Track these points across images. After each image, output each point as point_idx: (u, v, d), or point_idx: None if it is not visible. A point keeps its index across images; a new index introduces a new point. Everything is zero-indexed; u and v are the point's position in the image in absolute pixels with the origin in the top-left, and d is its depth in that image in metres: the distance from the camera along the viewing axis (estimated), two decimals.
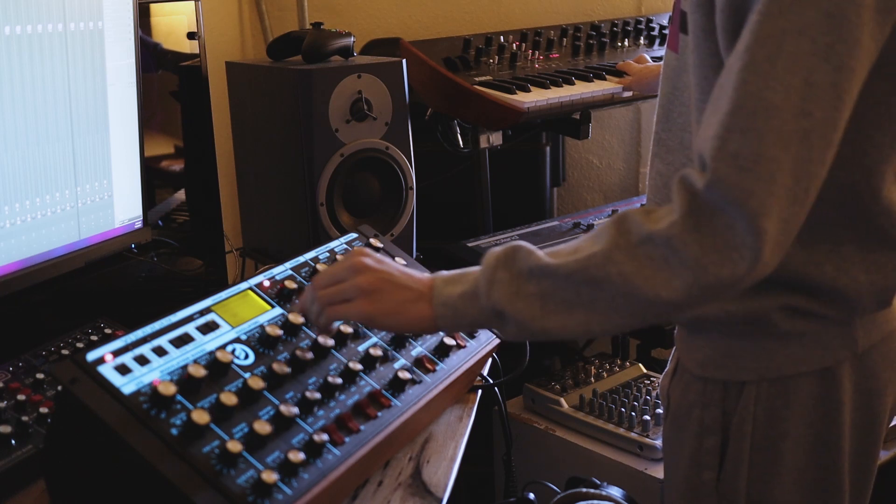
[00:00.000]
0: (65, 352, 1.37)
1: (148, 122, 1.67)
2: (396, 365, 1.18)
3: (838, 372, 1.10)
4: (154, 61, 1.74)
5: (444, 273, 1.04)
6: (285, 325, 1.12)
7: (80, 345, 1.41)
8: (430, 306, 1.01)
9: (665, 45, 1.22)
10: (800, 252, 1.05)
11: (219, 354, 1.02)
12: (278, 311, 1.15)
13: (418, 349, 1.23)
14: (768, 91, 0.89)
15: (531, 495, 1.57)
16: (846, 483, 1.14)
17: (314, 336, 1.14)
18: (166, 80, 1.81)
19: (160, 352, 1.01)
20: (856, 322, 1.10)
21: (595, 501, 1.55)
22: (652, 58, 2.13)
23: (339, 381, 1.08)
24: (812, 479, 1.12)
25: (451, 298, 1.01)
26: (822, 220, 1.04)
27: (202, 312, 1.09)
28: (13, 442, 1.14)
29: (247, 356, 1.06)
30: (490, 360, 1.42)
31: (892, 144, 1.03)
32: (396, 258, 1.35)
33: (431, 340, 1.26)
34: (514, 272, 0.97)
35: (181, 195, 1.86)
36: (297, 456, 0.95)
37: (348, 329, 1.17)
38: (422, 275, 1.05)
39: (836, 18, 0.88)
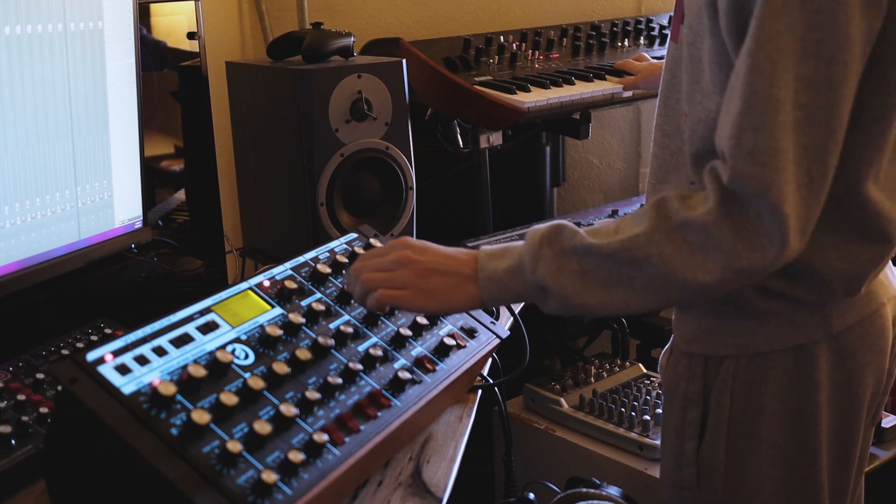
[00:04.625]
0: (65, 352, 1.37)
1: (148, 122, 1.67)
2: (396, 365, 1.18)
3: (813, 351, 1.14)
4: (154, 61, 1.74)
5: (488, 248, 1.10)
6: (285, 325, 1.12)
7: (80, 345, 1.41)
8: (475, 285, 1.08)
9: (668, 41, 1.24)
10: None
11: (219, 354, 1.02)
12: (278, 311, 1.15)
13: (418, 349, 1.23)
14: (774, 89, 0.96)
15: (531, 495, 1.57)
16: (824, 460, 1.17)
17: (314, 336, 1.14)
18: (166, 80, 1.81)
19: (160, 352, 1.00)
20: (829, 304, 1.14)
21: (595, 501, 1.55)
22: (652, 57, 2.13)
23: (339, 381, 1.08)
24: (788, 454, 1.16)
25: (496, 273, 1.07)
26: None
27: (202, 312, 1.09)
28: (13, 442, 1.14)
29: (247, 356, 1.06)
30: (490, 360, 1.42)
31: (871, 143, 1.07)
32: None
33: (431, 340, 1.26)
34: (557, 250, 1.04)
35: (181, 195, 1.86)
36: (297, 456, 0.95)
37: (348, 329, 1.17)
38: (465, 253, 1.10)
39: (822, 15, 0.95)
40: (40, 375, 1.28)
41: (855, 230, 1.10)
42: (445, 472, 1.16)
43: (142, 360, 0.98)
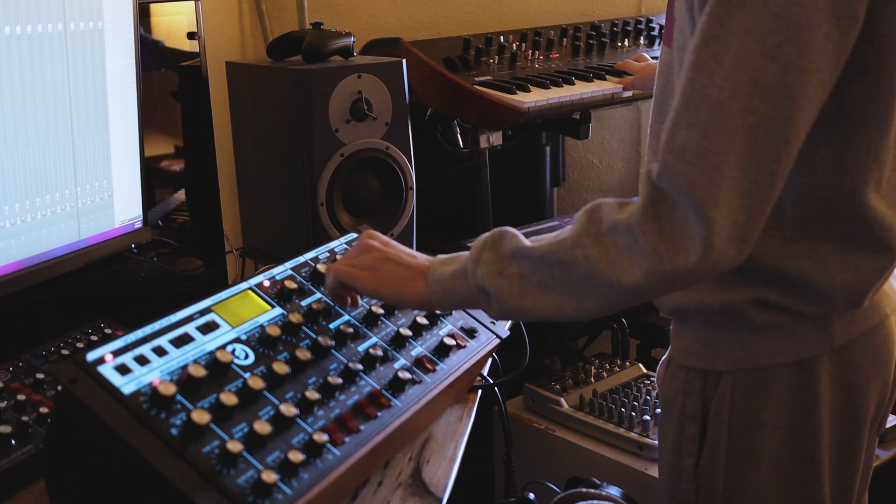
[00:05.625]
0: (65, 352, 1.37)
1: (148, 122, 1.67)
2: (396, 365, 1.18)
3: (815, 365, 1.12)
4: (154, 61, 1.74)
5: (443, 256, 1.12)
6: (285, 325, 1.12)
7: (80, 345, 1.41)
8: (425, 283, 1.11)
9: (661, 45, 1.23)
10: (780, 245, 1.08)
11: (219, 354, 1.02)
12: (278, 311, 1.15)
13: (418, 349, 1.23)
14: (713, 88, 0.93)
15: (531, 495, 1.57)
16: (826, 475, 1.15)
17: (314, 336, 1.14)
18: (166, 80, 1.81)
19: (160, 352, 1.00)
20: (832, 317, 1.11)
21: (595, 501, 1.55)
22: (651, 57, 2.13)
23: (339, 381, 1.08)
24: (789, 469, 1.14)
25: (443, 276, 1.09)
26: (804, 217, 1.07)
27: (202, 312, 1.09)
28: (13, 442, 1.14)
29: (247, 356, 1.06)
30: (490, 360, 1.42)
31: (869, 150, 1.05)
32: None
33: (431, 340, 1.26)
34: (499, 254, 1.04)
35: (181, 195, 1.86)
36: (297, 456, 0.95)
37: (348, 329, 1.17)
38: (424, 257, 1.14)
39: (783, 19, 0.91)
40: (40, 375, 1.28)
41: (856, 241, 1.08)
42: (445, 472, 1.16)
43: (142, 360, 0.98)
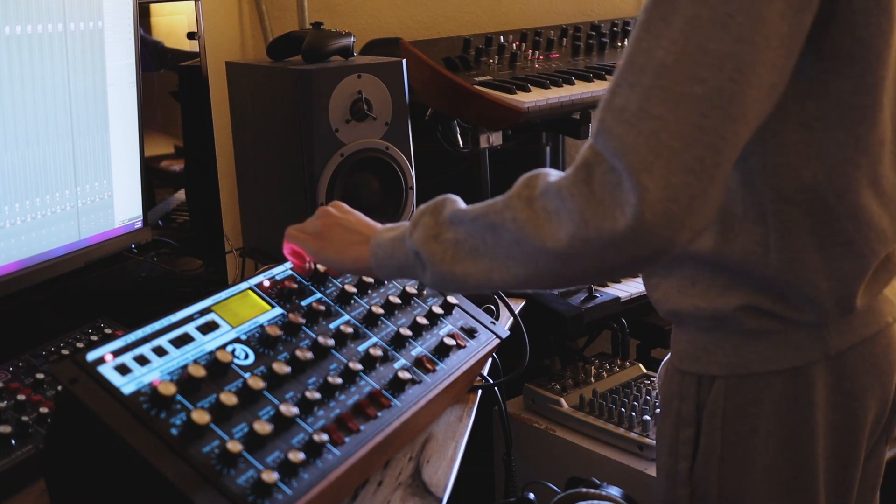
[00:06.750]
0: (65, 352, 1.37)
1: (148, 122, 1.67)
2: (396, 365, 1.18)
3: (810, 373, 1.10)
4: (154, 61, 1.74)
5: (391, 224, 1.13)
6: (285, 325, 1.13)
7: (80, 345, 1.41)
8: (368, 248, 1.12)
9: None
10: (764, 254, 1.06)
11: (219, 354, 1.02)
12: (278, 311, 1.15)
13: (418, 349, 1.23)
14: (659, 50, 0.89)
15: (531, 495, 1.57)
16: (821, 484, 1.13)
17: (314, 336, 1.14)
18: (166, 80, 1.81)
19: (160, 352, 1.01)
20: (827, 324, 1.10)
21: (595, 501, 1.55)
22: None
23: (339, 381, 1.08)
24: (783, 477, 1.13)
25: (384, 241, 1.10)
26: (790, 222, 1.05)
27: (202, 312, 1.09)
28: (13, 442, 1.14)
29: (247, 356, 1.06)
30: (490, 360, 1.42)
31: (857, 145, 1.03)
32: None
33: (431, 340, 1.26)
34: (438, 219, 1.03)
35: (181, 195, 1.86)
36: (297, 456, 0.95)
37: (348, 329, 1.17)
38: (376, 225, 1.15)
39: None
40: (40, 375, 1.28)
41: (841, 245, 1.06)
42: (445, 472, 1.16)
43: (142, 360, 0.98)
